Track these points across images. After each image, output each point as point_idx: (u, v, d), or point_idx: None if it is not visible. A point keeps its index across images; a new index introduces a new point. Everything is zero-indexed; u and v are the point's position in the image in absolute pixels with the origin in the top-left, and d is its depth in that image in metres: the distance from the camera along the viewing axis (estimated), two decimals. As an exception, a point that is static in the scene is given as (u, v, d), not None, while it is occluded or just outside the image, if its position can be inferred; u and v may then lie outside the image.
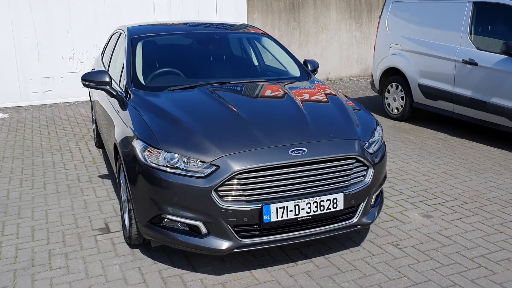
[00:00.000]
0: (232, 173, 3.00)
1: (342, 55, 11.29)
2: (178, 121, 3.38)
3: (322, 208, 3.17)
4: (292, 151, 3.13)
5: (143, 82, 4.10)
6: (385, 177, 3.68)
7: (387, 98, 7.61)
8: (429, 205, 4.30)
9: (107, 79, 4.14)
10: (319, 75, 11.26)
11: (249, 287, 3.12)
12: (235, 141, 3.18)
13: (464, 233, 3.78)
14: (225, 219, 3.02)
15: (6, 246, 3.66)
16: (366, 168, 3.37)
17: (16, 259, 3.47)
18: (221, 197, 3.02)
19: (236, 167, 3.01)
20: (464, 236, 3.74)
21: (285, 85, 4.18)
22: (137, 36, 4.62)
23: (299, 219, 3.13)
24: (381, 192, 3.70)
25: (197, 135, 3.22)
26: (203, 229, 3.08)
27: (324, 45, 11.08)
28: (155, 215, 3.16)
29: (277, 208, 3.05)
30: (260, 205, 3.02)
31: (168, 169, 3.09)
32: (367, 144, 3.43)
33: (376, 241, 3.67)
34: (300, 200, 3.10)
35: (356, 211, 3.36)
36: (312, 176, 3.17)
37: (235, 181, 3.02)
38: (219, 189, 3.01)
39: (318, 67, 4.89)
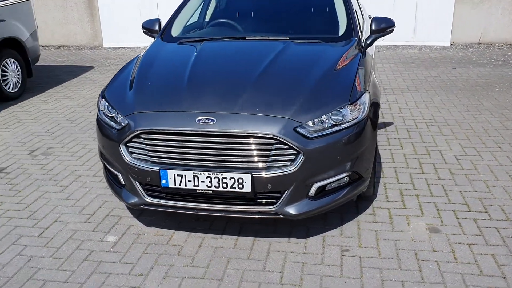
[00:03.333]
0: (136, 131, 3.01)
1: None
2: (138, 73, 3.47)
3: (224, 185, 2.91)
4: (199, 120, 2.93)
5: (172, 33, 4.24)
6: (357, 173, 3.08)
7: None
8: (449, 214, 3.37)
9: (156, 27, 4.42)
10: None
11: (157, 243, 3.16)
12: (155, 100, 3.13)
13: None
14: (131, 175, 3.09)
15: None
16: (295, 153, 2.89)
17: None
18: (130, 153, 3.09)
19: (140, 126, 3.01)
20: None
21: (297, 46, 3.74)
22: None
23: (198, 191, 2.97)
24: (343, 187, 3.11)
25: (133, 89, 3.28)
26: (121, 180, 3.22)
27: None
28: (100, 158, 3.43)
29: (174, 174, 2.95)
30: (158, 168, 2.98)
31: (101, 116, 3.28)
32: (306, 125, 2.91)
33: (326, 240, 3.16)
34: (200, 172, 2.92)
35: (279, 198, 2.96)
36: (217, 150, 2.91)
37: (141, 140, 3.03)
38: (128, 144, 3.08)
39: (388, 27, 4.11)
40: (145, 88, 3.27)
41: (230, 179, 2.90)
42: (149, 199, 3.11)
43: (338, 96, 3.10)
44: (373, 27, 4.10)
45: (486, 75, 7.29)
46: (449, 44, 9.65)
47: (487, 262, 2.90)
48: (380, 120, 5.42)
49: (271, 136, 2.85)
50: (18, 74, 6.78)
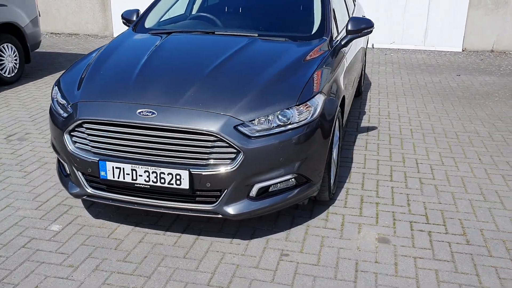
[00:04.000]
0: (78, 120, 2.97)
1: None
2: (94, 63, 3.43)
3: (162, 181, 2.85)
4: (140, 112, 2.87)
5: (146, 24, 4.19)
6: (303, 176, 2.99)
7: None
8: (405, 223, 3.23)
9: (134, 18, 4.39)
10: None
11: (98, 236, 3.13)
12: (101, 90, 3.09)
13: None
14: (74, 165, 3.06)
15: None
16: (235, 151, 2.81)
17: None
18: (74, 142, 3.05)
19: (82, 115, 2.97)
20: None
21: (261, 43, 3.65)
22: None
23: (136, 185, 2.91)
24: (288, 189, 3.01)
25: (84, 78, 3.25)
26: (67, 169, 3.19)
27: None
28: (52, 146, 3.41)
29: (113, 167, 2.91)
30: (98, 159, 2.94)
31: (53, 103, 3.26)
32: (249, 124, 2.82)
33: (269, 243, 3.07)
34: (138, 166, 2.87)
35: (219, 197, 2.89)
36: (156, 144, 2.85)
37: (83, 129, 3.00)
38: (72, 133, 3.05)
39: (365, 28, 3.98)
40: (95, 78, 3.23)
41: (168, 174, 2.84)
42: (90, 190, 3.07)
43: (286, 96, 2.99)
44: (349, 27, 3.98)
45: (489, 83, 7.04)
46: (461, 51, 9.37)
47: (427, 278, 2.76)
48: (365, 124, 5.28)
49: (210, 133, 2.78)
50: (16, 60, 6.86)
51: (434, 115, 5.59)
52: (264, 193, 2.98)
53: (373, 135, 4.94)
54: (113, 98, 3.01)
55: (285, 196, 3.03)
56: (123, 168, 2.89)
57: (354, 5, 5.77)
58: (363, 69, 6.48)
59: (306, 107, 3.00)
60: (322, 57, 3.49)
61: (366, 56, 8.69)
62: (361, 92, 6.24)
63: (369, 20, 4.09)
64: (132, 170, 2.88)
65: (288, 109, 2.94)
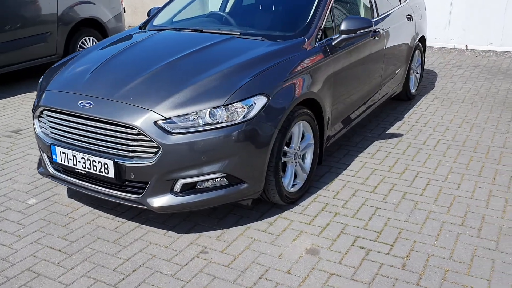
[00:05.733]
0: (39, 107, 3.31)
1: None
2: (77, 55, 3.75)
3: (94, 168, 3.06)
4: (81, 103, 3.10)
5: (155, 21, 4.42)
6: (234, 177, 2.98)
7: None
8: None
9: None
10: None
11: (60, 213, 3.45)
12: (63, 80, 3.39)
13: None
14: (39, 146, 3.41)
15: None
16: (156, 146, 2.90)
17: None
18: (41, 127, 3.40)
19: (42, 103, 3.30)
20: None
21: (231, 41, 3.69)
22: None
23: (76, 170, 3.16)
24: (217, 188, 3.02)
25: (63, 69, 3.56)
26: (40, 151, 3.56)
27: None
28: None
29: (60, 151, 3.19)
30: (50, 143, 3.24)
31: (37, 89, 3.65)
32: (172, 121, 2.89)
33: (199, 240, 3.10)
34: (77, 153, 3.11)
35: (144, 188, 3.01)
36: (90, 133, 3.07)
37: (44, 115, 3.32)
38: (39, 119, 3.39)
39: (360, 28, 3.78)
40: (66, 70, 3.55)
41: (98, 163, 3.04)
42: (51, 171, 3.40)
43: (216, 95, 2.99)
44: (342, 27, 3.80)
45: None
46: None
47: (326, 296, 2.59)
48: (393, 130, 4.94)
49: (133, 127, 2.91)
50: (97, 51, 7.62)
51: (479, 126, 5.01)
52: (191, 189, 3.03)
53: (391, 143, 4.61)
54: (67, 88, 3.29)
55: (214, 194, 3.05)
56: (67, 154, 3.17)
57: (400, 2, 5.39)
58: (419, 71, 6.02)
59: (237, 108, 2.98)
60: (285, 57, 3.39)
61: (447, 58, 8.02)
62: (410, 95, 5.80)
63: (366, 19, 3.86)
64: (73, 156, 3.14)
65: (216, 108, 2.95)
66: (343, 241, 3.08)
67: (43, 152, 3.41)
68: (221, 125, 2.93)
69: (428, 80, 6.77)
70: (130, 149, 2.97)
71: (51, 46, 6.96)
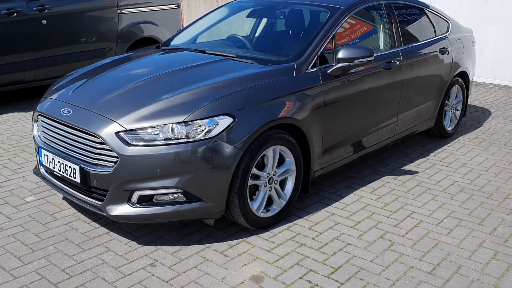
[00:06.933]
0: (35, 112, 3.60)
1: None
2: (87, 68, 4.01)
3: (66, 172, 3.25)
4: (63, 110, 3.32)
5: (173, 41, 4.61)
6: (191, 194, 3.03)
7: None
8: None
9: None
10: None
11: (48, 212, 3.68)
12: (59, 89, 3.64)
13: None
14: (35, 148, 3.69)
15: None
16: (116, 155, 3.02)
17: None
18: (38, 130, 3.67)
19: (37, 108, 3.58)
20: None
21: (220, 63, 3.77)
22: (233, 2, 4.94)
23: (54, 172, 3.37)
24: (175, 203, 3.07)
25: (65, 80, 3.83)
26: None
27: None
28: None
29: (44, 154, 3.43)
30: (39, 146, 3.49)
31: None
32: (133, 133, 3.00)
33: (153, 255, 3.14)
34: (56, 156, 3.32)
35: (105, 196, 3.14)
36: (65, 138, 3.27)
37: (39, 119, 3.59)
38: (37, 122, 3.66)
39: (359, 57, 3.67)
40: (68, 80, 3.81)
41: (69, 167, 3.23)
42: (42, 172, 3.65)
43: (178, 112, 3.06)
44: (338, 55, 3.72)
45: None
46: None
47: (244, 325, 2.51)
48: (410, 167, 4.68)
49: (96, 135, 3.06)
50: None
51: (508, 172, 4.59)
52: (148, 201, 3.11)
53: (400, 180, 4.37)
54: (57, 96, 3.54)
55: (171, 208, 3.10)
56: (49, 157, 3.40)
57: (434, 27, 5.12)
58: (460, 108, 5.64)
59: (198, 126, 3.02)
60: (266, 80, 3.39)
61: (511, 98, 7.43)
62: (444, 133, 5.45)
63: (366, 48, 3.75)
64: (52, 159, 3.36)
65: (176, 124, 3.02)
66: (293, 273, 2.97)
67: (37, 154, 3.68)
68: (180, 141, 2.99)
69: (475, 119, 6.32)
70: (95, 157, 3.12)
71: (109, 60, 7.49)
